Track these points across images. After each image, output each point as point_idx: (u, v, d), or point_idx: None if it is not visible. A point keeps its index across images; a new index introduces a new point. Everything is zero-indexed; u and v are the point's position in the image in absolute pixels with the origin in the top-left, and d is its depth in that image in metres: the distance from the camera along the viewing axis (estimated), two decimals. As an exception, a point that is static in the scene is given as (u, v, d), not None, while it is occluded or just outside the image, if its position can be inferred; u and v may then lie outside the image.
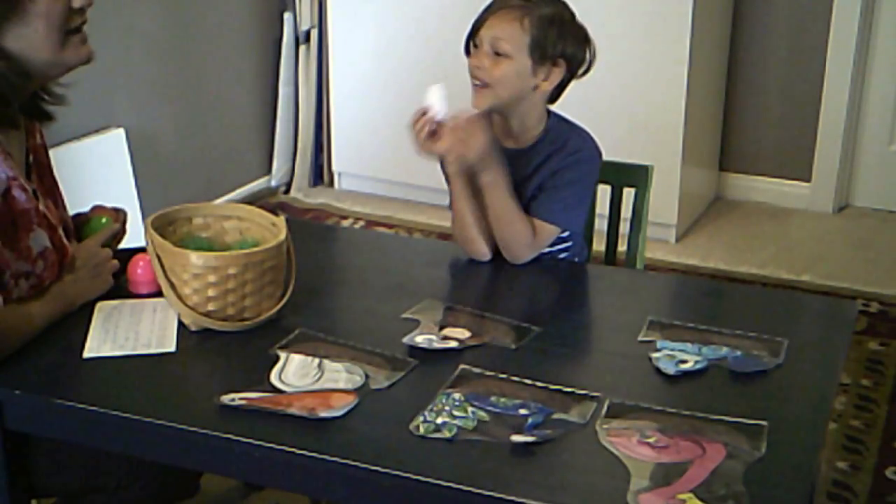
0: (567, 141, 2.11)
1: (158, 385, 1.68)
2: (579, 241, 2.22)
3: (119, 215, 2.03)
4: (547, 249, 2.13)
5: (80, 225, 1.98)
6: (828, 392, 1.67)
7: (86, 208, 2.04)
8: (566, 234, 2.14)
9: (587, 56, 2.10)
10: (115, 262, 1.91)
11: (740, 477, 1.41)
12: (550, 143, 2.12)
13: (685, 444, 1.48)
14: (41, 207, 1.80)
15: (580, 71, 2.11)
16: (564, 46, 2.06)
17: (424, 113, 2.01)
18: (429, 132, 2.01)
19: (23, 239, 1.75)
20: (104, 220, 1.98)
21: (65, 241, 1.85)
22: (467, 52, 2.10)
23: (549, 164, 2.10)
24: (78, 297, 1.84)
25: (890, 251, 3.90)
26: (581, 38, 2.09)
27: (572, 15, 2.10)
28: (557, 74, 2.07)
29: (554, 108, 2.17)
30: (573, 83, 2.14)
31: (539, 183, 2.10)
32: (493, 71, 2.03)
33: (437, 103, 1.99)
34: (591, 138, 2.14)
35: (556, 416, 1.55)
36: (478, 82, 2.05)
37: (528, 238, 2.06)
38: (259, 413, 1.55)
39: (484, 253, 2.09)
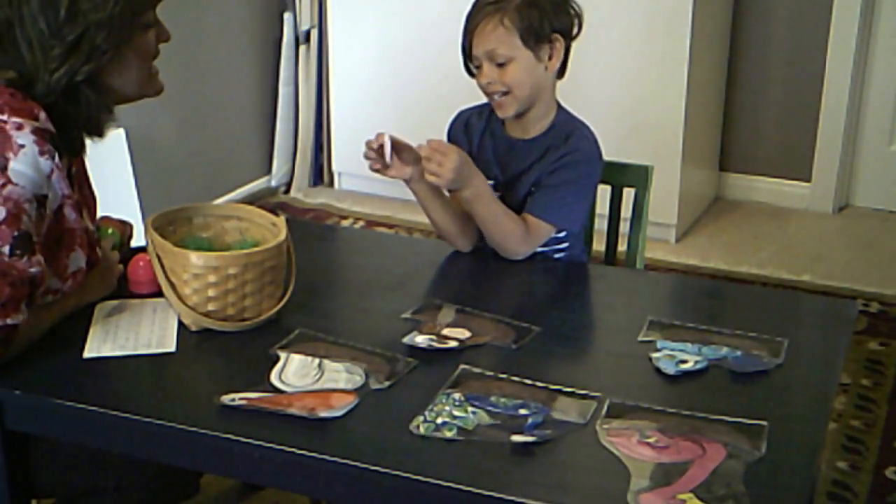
0: (568, 138, 2.11)
1: (158, 385, 1.69)
2: (578, 243, 2.22)
3: (126, 228, 2.05)
4: (542, 249, 2.13)
5: None
6: (828, 392, 1.67)
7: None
8: (562, 234, 2.15)
9: (573, 15, 2.10)
10: (121, 267, 1.94)
11: (740, 477, 1.41)
12: (552, 139, 2.12)
13: (685, 444, 1.48)
14: (85, 222, 1.81)
15: (574, 32, 2.11)
16: (552, 20, 2.06)
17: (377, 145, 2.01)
18: (378, 162, 2.02)
19: (62, 257, 1.76)
20: (111, 230, 2.00)
21: (99, 255, 1.87)
22: (470, 73, 2.11)
23: (546, 159, 2.10)
24: (82, 299, 1.85)
25: (890, 251, 3.90)
26: (561, 2, 2.09)
27: None
28: (559, 48, 2.08)
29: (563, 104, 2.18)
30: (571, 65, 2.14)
31: (536, 178, 2.11)
32: (504, 79, 2.04)
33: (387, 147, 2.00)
34: (594, 139, 2.15)
35: (556, 416, 1.54)
36: (495, 95, 2.07)
37: (520, 236, 2.07)
38: (259, 413, 1.55)
39: (461, 247, 2.14)
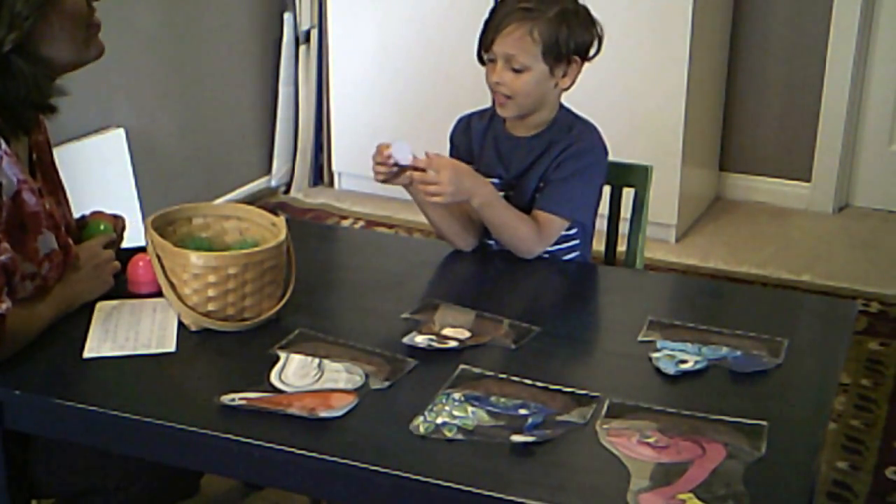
0: (571, 130, 2.12)
1: (158, 385, 1.68)
2: (587, 242, 2.22)
3: (118, 222, 2.04)
4: (552, 249, 2.13)
5: (79, 228, 1.98)
6: (828, 392, 1.67)
7: (86, 210, 2.05)
8: (572, 231, 2.15)
9: (596, 38, 2.10)
10: (117, 263, 1.92)
11: (740, 477, 1.41)
12: (555, 133, 2.13)
13: (685, 444, 1.48)
14: (48, 206, 1.80)
15: (591, 54, 2.11)
16: (577, 39, 2.06)
17: (387, 156, 1.98)
18: (390, 174, 1.99)
19: (30, 241, 1.75)
20: (102, 225, 1.99)
21: (69, 240, 1.85)
22: (482, 61, 2.10)
23: (550, 152, 2.11)
24: (79, 298, 1.84)
25: (890, 251, 3.90)
26: (589, 23, 2.09)
27: (574, 1, 2.09)
28: (574, 70, 2.09)
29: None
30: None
31: (542, 172, 2.11)
32: (513, 86, 2.05)
33: (402, 155, 1.97)
34: (597, 132, 2.15)
35: (556, 416, 1.55)
36: (499, 94, 2.07)
37: (534, 236, 2.07)
38: (259, 413, 1.55)
39: (461, 246, 2.13)
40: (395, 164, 1.98)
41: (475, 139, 2.20)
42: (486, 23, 2.08)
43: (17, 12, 1.68)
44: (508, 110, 2.09)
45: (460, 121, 2.25)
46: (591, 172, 2.13)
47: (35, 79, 1.74)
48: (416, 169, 1.98)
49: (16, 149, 1.76)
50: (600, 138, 2.15)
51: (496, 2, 2.10)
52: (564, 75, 2.08)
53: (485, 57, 2.09)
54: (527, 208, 2.11)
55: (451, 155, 2.22)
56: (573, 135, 2.11)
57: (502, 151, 2.16)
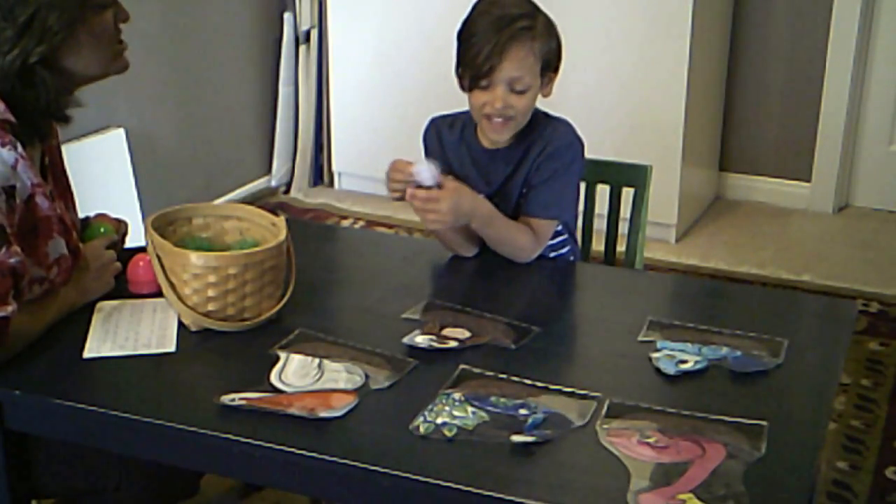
0: (544, 132, 2.10)
1: (158, 385, 1.68)
2: (573, 237, 2.22)
3: (120, 226, 2.04)
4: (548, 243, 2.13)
5: (81, 229, 1.98)
6: (828, 392, 1.67)
7: (86, 209, 2.05)
8: (560, 227, 2.15)
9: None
10: (118, 264, 1.92)
11: (740, 477, 1.41)
12: (530, 135, 2.11)
13: (685, 444, 1.48)
14: (59, 210, 1.81)
15: None
16: (558, 50, 2.06)
17: (409, 174, 1.96)
18: (409, 193, 1.97)
19: (41, 246, 1.76)
20: (103, 228, 1.99)
21: (80, 244, 1.86)
22: (469, 88, 2.05)
23: (529, 156, 2.10)
24: (80, 298, 1.84)
25: (890, 251, 3.90)
26: (555, 29, 2.07)
27: (538, 8, 2.06)
28: (556, 77, 2.09)
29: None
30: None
31: (523, 178, 2.10)
32: (518, 107, 2.02)
33: (427, 175, 1.95)
34: (571, 127, 2.13)
35: (556, 416, 1.55)
36: (497, 118, 2.03)
37: (530, 243, 2.07)
38: (259, 413, 1.55)
39: (464, 253, 2.11)
40: (418, 186, 1.95)
41: (450, 153, 2.16)
42: (468, 51, 2.00)
43: (49, 27, 1.71)
44: (507, 133, 2.06)
45: (433, 123, 2.21)
46: (572, 169, 2.11)
47: (56, 91, 1.77)
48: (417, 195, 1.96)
49: (30, 152, 1.76)
50: (574, 132, 2.12)
51: (462, 27, 2.03)
52: (549, 83, 2.08)
53: (472, 84, 2.02)
54: (513, 215, 2.10)
55: (426, 156, 2.19)
56: (547, 135, 2.09)
57: (481, 165, 2.14)
